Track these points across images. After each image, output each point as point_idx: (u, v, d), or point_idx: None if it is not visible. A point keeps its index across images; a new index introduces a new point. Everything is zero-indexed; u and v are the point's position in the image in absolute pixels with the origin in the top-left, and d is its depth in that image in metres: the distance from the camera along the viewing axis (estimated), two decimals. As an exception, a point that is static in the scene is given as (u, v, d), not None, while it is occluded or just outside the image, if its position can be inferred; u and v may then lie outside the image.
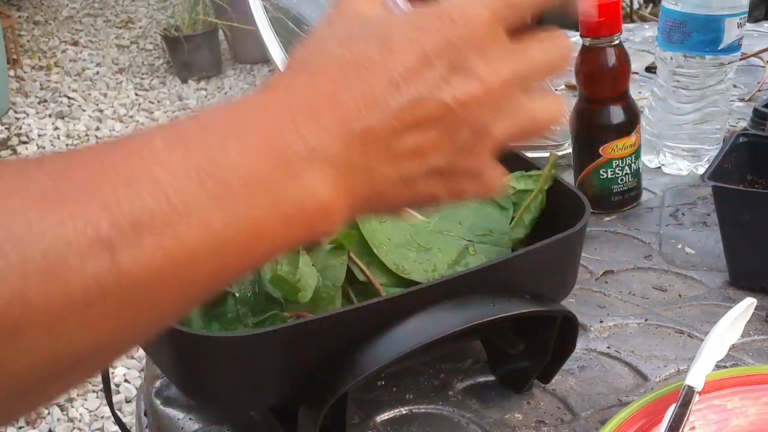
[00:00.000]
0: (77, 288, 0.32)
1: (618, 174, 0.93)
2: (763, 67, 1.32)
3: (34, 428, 2.08)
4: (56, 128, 3.65)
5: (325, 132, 0.38)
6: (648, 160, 1.04)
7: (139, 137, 0.37)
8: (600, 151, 0.92)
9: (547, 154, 0.81)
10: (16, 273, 0.31)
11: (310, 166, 0.38)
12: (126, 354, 0.37)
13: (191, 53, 3.94)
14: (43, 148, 3.48)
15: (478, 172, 0.44)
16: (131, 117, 3.74)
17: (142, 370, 1.25)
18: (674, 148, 1.02)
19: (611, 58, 0.91)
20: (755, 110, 1.06)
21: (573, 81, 1.14)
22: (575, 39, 1.53)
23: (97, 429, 2.09)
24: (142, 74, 4.13)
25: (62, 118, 3.73)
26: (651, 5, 3.50)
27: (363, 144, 0.39)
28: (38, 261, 0.31)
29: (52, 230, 0.32)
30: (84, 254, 0.32)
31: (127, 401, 2.12)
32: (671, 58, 0.98)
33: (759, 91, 1.25)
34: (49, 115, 3.75)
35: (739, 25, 0.95)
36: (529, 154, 0.81)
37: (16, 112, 3.74)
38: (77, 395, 2.17)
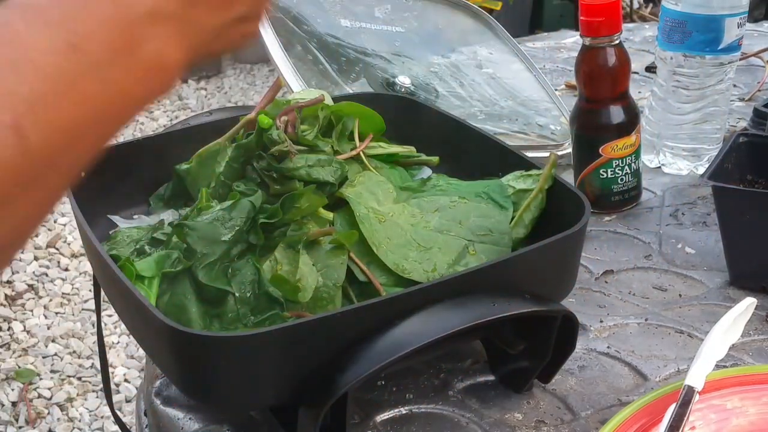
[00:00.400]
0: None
1: (618, 174, 0.93)
2: (763, 66, 1.32)
3: (34, 428, 2.08)
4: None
5: None
6: (648, 159, 1.04)
7: None
8: (600, 150, 0.92)
9: (547, 154, 0.81)
10: None
11: (154, 28, 0.42)
12: (38, 224, 0.42)
13: (191, 53, 3.93)
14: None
15: (258, 15, 0.50)
16: (131, 117, 3.73)
17: (142, 370, 1.25)
18: (674, 148, 1.02)
19: (611, 58, 0.91)
20: (755, 110, 1.06)
21: (573, 81, 1.14)
22: (575, 39, 1.53)
23: (97, 429, 2.09)
24: (142, 74, 4.11)
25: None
26: (651, 5, 3.51)
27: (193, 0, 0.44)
28: None
29: None
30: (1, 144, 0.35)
31: (127, 401, 2.12)
32: (671, 58, 0.98)
33: (759, 91, 1.25)
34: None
35: (739, 25, 0.95)
36: (529, 154, 0.81)
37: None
38: (77, 395, 2.17)
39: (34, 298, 2.45)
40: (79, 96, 0.39)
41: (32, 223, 0.40)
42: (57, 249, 2.64)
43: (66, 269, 2.57)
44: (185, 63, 0.45)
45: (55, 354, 2.28)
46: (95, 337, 1.78)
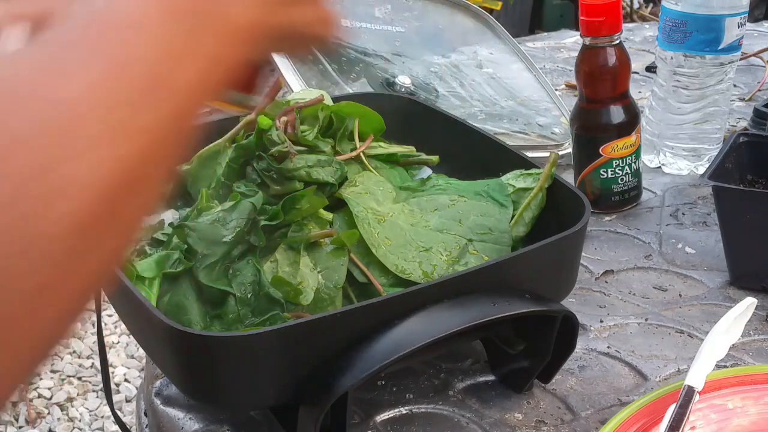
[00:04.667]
0: None
1: (618, 174, 0.93)
2: (764, 66, 1.32)
3: (34, 428, 2.08)
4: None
5: None
6: (648, 159, 1.04)
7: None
8: (600, 150, 0.92)
9: (547, 154, 0.81)
10: None
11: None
12: None
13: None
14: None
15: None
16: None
17: (142, 370, 1.25)
18: (674, 148, 1.02)
19: (611, 58, 0.91)
20: (755, 110, 1.06)
21: (573, 81, 1.14)
22: (575, 39, 1.53)
23: (97, 429, 2.09)
24: (142, 74, 4.11)
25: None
26: (651, 5, 3.51)
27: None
28: None
29: None
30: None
31: (127, 401, 2.12)
32: (671, 58, 0.98)
33: (759, 90, 1.25)
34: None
35: (740, 25, 0.95)
36: (530, 154, 0.81)
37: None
38: (77, 395, 2.17)
39: (34, 298, 2.45)
40: (141, 135, 0.34)
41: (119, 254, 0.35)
42: (57, 249, 2.63)
43: (66, 269, 2.56)
44: (260, 26, 0.42)
45: (55, 354, 2.28)
46: (95, 337, 1.78)
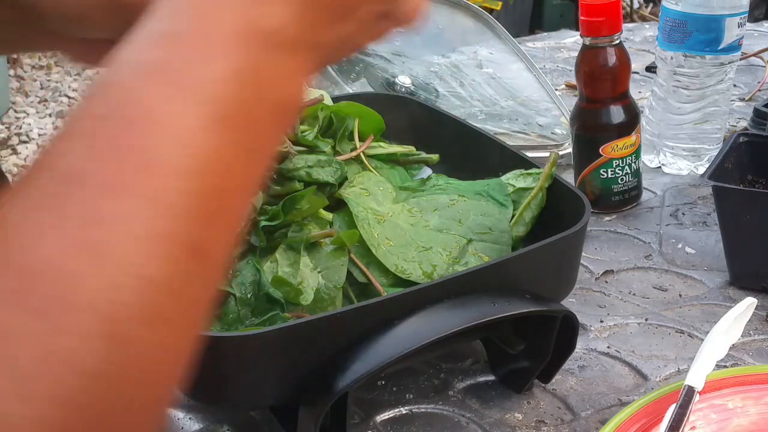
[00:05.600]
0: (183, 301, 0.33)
1: (618, 174, 0.93)
2: (764, 66, 1.32)
3: (35, 428, 2.08)
4: (56, 128, 3.63)
5: (280, 16, 0.36)
6: (648, 159, 1.04)
7: (131, 107, 0.32)
8: (600, 150, 0.92)
9: (547, 154, 0.81)
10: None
11: (282, 61, 0.36)
12: None
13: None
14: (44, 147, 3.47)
15: (396, 11, 0.42)
16: (131, 116, 3.72)
17: (142, 369, 1.25)
18: (674, 148, 1.02)
19: (611, 58, 0.91)
20: (755, 110, 1.06)
21: (573, 81, 1.14)
22: (575, 39, 1.53)
23: (98, 429, 2.09)
24: (142, 74, 4.10)
25: (63, 117, 3.73)
26: (651, 5, 3.51)
27: (310, 20, 0.38)
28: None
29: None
30: (187, 270, 0.32)
31: (128, 401, 2.12)
32: (671, 58, 0.98)
33: (759, 90, 1.25)
34: (50, 115, 3.74)
35: (740, 25, 0.95)
36: (530, 154, 0.81)
37: (16, 111, 3.73)
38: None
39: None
40: (236, 180, 0.34)
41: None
42: (57, 249, 2.63)
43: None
44: (309, 84, 0.40)
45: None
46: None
